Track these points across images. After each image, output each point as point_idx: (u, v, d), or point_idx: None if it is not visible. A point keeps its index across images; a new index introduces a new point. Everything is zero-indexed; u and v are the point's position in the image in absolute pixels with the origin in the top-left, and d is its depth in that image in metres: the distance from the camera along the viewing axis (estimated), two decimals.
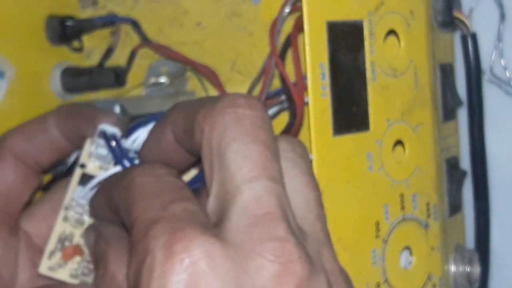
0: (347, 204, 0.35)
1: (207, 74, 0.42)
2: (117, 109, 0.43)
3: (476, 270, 0.42)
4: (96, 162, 0.36)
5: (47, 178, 0.40)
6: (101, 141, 0.35)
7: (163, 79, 0.44)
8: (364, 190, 0.36)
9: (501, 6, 0.46)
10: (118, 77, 0.45)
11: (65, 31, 0.46)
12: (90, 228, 0.33)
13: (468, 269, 0.41)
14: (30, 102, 0.43)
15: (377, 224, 0.37)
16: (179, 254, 0.24)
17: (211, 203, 0.26)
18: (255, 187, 0.25)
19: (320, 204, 0.29)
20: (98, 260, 0.31)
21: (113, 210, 0.31)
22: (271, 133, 0.27)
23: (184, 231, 0.24)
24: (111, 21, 0.46)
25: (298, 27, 0.35)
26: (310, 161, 0.30)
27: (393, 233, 0.37)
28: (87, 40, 0.48)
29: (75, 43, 0.47)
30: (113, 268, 0.29)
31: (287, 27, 0.37)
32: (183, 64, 0.44)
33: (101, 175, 0.35)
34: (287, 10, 0.36)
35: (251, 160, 0.26)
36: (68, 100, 0.47)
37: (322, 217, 0.28)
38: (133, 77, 0.46)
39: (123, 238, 0.31)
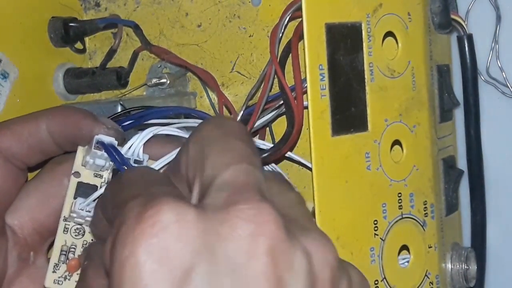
0: (345, 203, 0.36)
1: (206, 78, 0.42)
2: (118, 109, 0.43)
3: (473, 268, 0.42)
4: (89, 169, 0.36)
5: None
6: (98, 151, 0.35)
7: (164, 80, 0.44)
8: (363, 190, 0.36)
9: (497, 8, 0.47)
10: (120, 78, 0.46)
11: (67, 32, 0.46)
12: (84, 249, 0.34)
13: (465, 267, 0.41)
14: (33, 103, 0.44)
15: (375, 222, 0.37)
16: (150, 219, 0.23)
17: (194, 196, 0.26)
18: (235, 168, 0.25)
19: (302, 203, 0.29)
20: (81, 275, 0.31)
21: (104, 210, 0.31)
22: (251, 138, 0.28)
23: (158, 199, 0.24)
24: (113, 23, 0.46)
25: (298, 34, 0.36)
26: (291, 185, 0.30)
27: (391, 231, 0.38)
28: (90, 41, 0.48)
29: (78, 45, 0.47)
30: (90, 279, 0.29)
31: (289, 31, 0.37)
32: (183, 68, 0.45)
33: (104, 187, 0.35)
34: (287, 17, 0.37)
35: (232, 150, 0.26)
36: (71, 101, 0.47)
37: (309, 214, 0.28)
38: (134, 78, 0.46)
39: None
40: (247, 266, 0.23)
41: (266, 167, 0.39)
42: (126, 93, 0.46)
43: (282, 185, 0.29)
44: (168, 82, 0.44)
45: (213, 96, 0.44)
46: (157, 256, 0.23)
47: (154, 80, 0.44)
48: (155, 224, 0.23)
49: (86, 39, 0.48)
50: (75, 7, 0.47)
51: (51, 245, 0.37)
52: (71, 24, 0.46)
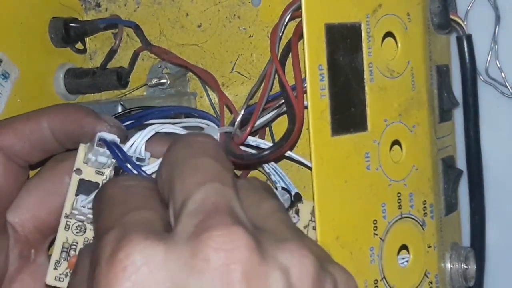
0: (345, 203, 0.36)
1: (207, 78, 0.42)
2: (119, 109, 0.43)
3: (472, 267, 0.42)
4: (91, 167, 0.36)
5: None
6: (100, 149, 0.35)
7: (164, 80, 0.44)
8: (362, 189, 0.36)
9: (496, 8, 0.47)
10: (121, 78, 0.46)
11: (68, 33, 0.46)
12: (80, 250, 0.34)
13: (464, 267, 0.41)
14: (34, 103, 0.43)
15: (375, 222, 0.37)
16: (121, 263, 0.23)
17: (171, 219, 0.26)
18: (204, 190, 0.25)
19: (282, 210, 0.28)
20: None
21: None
22: (223, 153, 0.28)
23: (128, 238, 0.24)
24: (113, 24, 0.46)
25: (298, 33, 0.36)
26: (269, 187, 0.30)
27: (390, 231, 0.38)
28: (90, 41, 0.48)
29: (78, 45, 0.47)
30: (75, 281, 0.30)
31: (288, 31, 0.37)
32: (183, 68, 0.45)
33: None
34: (287, 16, 0.37)
35: (202, 169, 0.26)
36: (71, 101, 0.47)
37: (287, 220, 0.28)
38: (135, 78, 0.46)
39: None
40: None
41: (266, 166, 0.39)
42: (126, 93, 0.46)
43: (258, 193, 0.29)
44: (168, 82, 0.44)
45: (213, 96, 0.44)
46: None
47: (154, 80, 0.44)
48: (126, 268, 0.23)
49: (87, 39, 0.48)
50: (76, 7, 0.47)
51: (52, 242, 0.37)
52: (71, 25, 0.46)
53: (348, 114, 0.36)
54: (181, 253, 0.24)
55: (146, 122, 0.39)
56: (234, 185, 0.26)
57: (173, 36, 0.45)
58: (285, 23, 0.37)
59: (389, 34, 0.38)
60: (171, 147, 0.29)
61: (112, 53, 0.46)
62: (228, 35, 0.44)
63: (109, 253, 0.24)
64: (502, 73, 0.47)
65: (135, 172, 0.35)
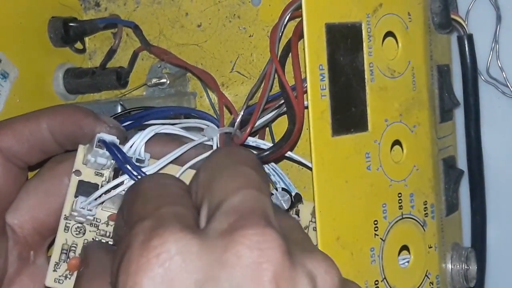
0: (346, 203, 0.36)
1: (206, 79, 0.42)
2: (118, 109, 0.43)
3: (473, 268, 0.42)
4: (90, 168, 0.36)
5: None
6: (100, 150, 0.35)
7: (164, 80, 0.44)
8: (363, 190, 0.36)
9: (497, 8, 0.47)
10: (120, 78, 0.46)
11: (67, 32, 0.46)
12: (83, 247, 0.35)
13: (465, 267, 0.41)
14: (33, 103, 0.44)
15: (376, 223, 0.37)
16: (155, 250, 0.24)
17: (202, 219, 0.26)
18: (242, 194, 0.26)
19: (301, 227, 0.29)
20: (76, 282, 0.31)
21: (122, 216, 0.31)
22: (261, 166, 0.28)
23: (163, 228, 0.24)
24: (113, 23, 0.46)
25: (298, 33, 0.36)
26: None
27: (391, 232, 0.38)
28: (90, 41, 0.48)
29: (78, 45, 0.47)
30: (87, 274, 0.30)
31: (288, 31, 0.37)
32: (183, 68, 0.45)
33: (106, 186, 0.35)
34: (287, 16, 0.37)
35: (241, 176, 0.27)
36: (71, 101, 0.47)
37: (307, 236, 0.28)
38: (134, 78, 0.46)
39: (103, 259, 0.31)
40: None
41: (266, 166, 0.39)
42: (126, 93, 0.46)
43: (278, 211, 0.29)
44: (168, 82, 0.44)
45: (213, 96, 0.44)
46: (162, 287, 0.23)
47: (154, 80, 0.44)
48: (160, 255, 0.24)
49: (86, 39, 0.48)
50: (75, 7, 0.47)
51: (52, 244, 0.37)
52: (71, 24, 0.46)
53: (348, 114, 0.36)
54: (214, 247, 0.24)
55: (146, 123, 0.39)
56: (269, 193, 0.27)
57: (173, 36, 0.45)
58: (285, 23, 0.37)
59: (389, 33, 0.38)
60: (212, 155, 0.29)
61: (111, 52, 0.46)
62: (228, 34, 0.44)
63: (143, 239, 0.24)
64: (503, 73, 0.47)
65: (134, 173, 0.35)
